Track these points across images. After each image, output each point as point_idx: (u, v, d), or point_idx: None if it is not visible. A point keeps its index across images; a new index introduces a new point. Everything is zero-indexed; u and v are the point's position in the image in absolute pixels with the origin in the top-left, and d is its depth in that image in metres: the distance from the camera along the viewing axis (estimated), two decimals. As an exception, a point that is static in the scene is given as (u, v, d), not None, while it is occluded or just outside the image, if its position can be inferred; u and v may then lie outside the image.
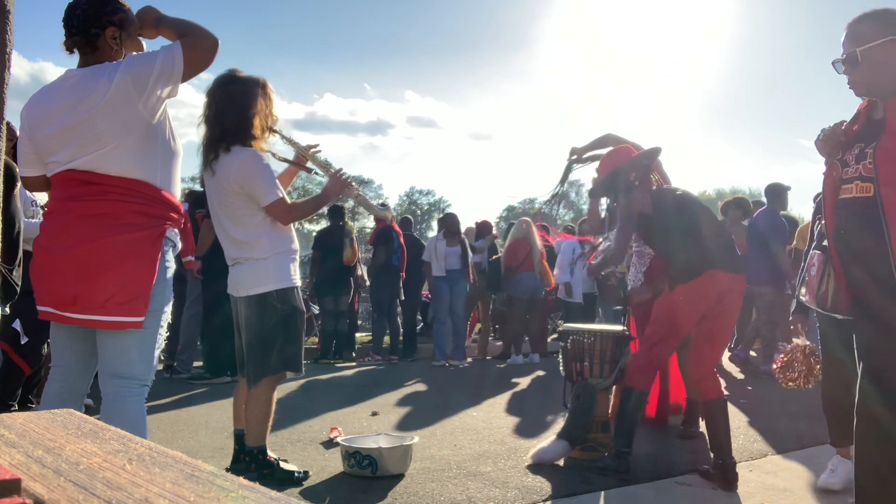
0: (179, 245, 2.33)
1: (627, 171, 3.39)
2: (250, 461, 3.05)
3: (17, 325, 3.75)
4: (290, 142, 3.21)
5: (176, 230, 2.29)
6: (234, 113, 2.94)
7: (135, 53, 2.24)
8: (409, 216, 10.50)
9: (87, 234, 2.12)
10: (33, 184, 2.40)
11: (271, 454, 3.11)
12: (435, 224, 9.08)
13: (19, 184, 2.73)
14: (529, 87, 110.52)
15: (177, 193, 2.30)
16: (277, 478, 3.02)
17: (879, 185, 2.10)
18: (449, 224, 7.99)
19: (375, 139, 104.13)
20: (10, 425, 0.83)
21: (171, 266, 2.28)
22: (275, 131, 3.09)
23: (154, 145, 2.19)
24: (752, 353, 7.90)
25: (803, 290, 2.56)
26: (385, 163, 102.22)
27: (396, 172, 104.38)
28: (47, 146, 2.21)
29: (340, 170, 3.14)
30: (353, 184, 3.20)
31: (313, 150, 3.22)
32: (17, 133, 2.35)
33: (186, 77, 2.16)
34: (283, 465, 3.12)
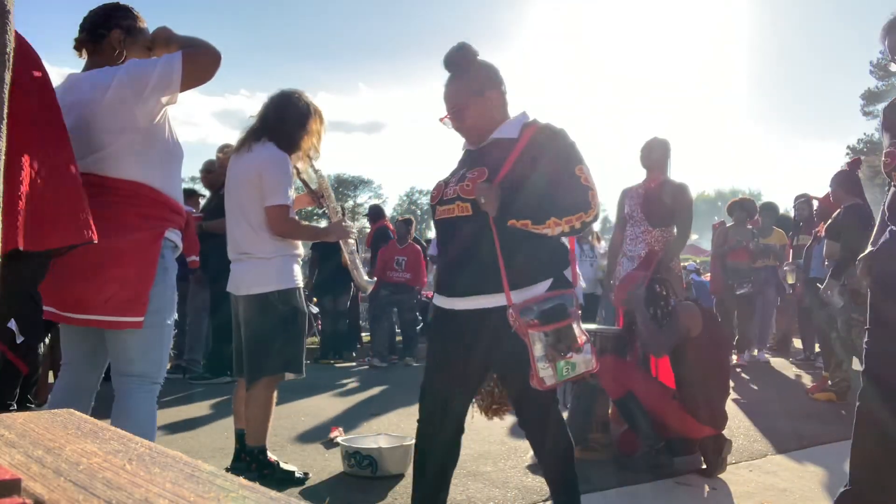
0: (181, 245, 2.34)
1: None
2: (251, 461, 3.05)
3: (12, 325, 3.75)
4: (317, 172, 3.31)
5: (177, 231, 2.30)
6: (290, 120, 3.04)
7: (135, 59, 2.26)
8: (410, 216, 10.50)
9: None
10: None
11: (271, 455, 3.11)
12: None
13: None
14: (527, 87, 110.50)
15: (178, 195, 2.31)
16: (277, 478, 3.02)
17: None
18: None
19: (371, 138, 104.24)
20: (10, 425, 0.83)
21: (173, 266, 2.29)
22: (309, 157, 3.17)
23: (153, 148, 2.21)
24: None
25: None
26: (381, 162, 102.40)
27: (396, 172, 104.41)
28: None
29: (346, 219, 3.28)
30: (354, 237, 3.35)
31: (331, 194, 3.37)
32: None
33: (185, 87, 2.18)
34: (283, 465, 3.12)
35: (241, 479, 0.64)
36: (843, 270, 4.68)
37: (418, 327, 9.02)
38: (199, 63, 2.19)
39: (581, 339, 2.12)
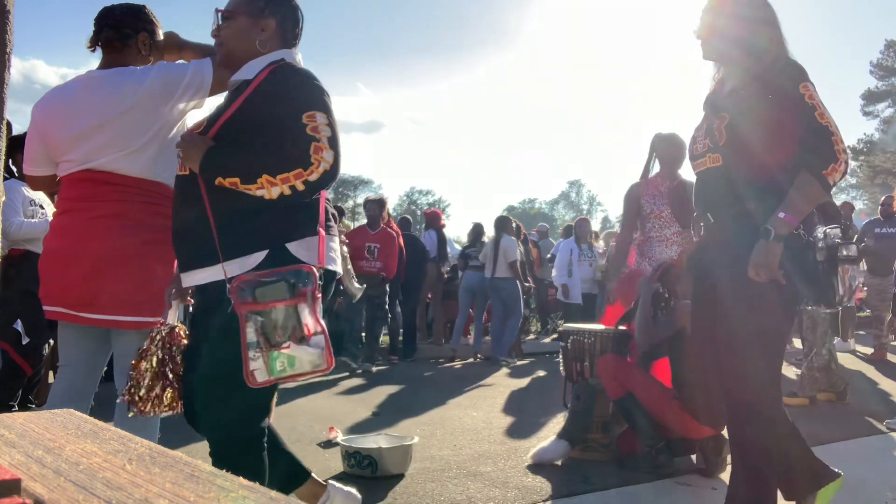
0: None
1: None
2: (250, 461, 3.05)
3: (18, 325, 3.75)
4: None
5: None
6: None
7: (165, 61, 2.27)
8: (409, 216, 10.51)
9: (106, 234, 2.12)
10: (40, 183, 2.40)
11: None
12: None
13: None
14: (526, 87, 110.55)
15: None
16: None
17: None
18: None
19: (371, 138, 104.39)
20: (10, 425, 0.83)
21: None
22: None
23: (171, 148, 2.20)
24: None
25: None
26: (381, 162, 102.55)
27: (395, 172, 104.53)
28: (63, 145, 2.20)
29: (341, 221, 3.29)
30: (346, 245, 3.43)
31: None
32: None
33: (214, 92, 2.19)
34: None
35: (241, 479, 0.64)
36: None
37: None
38: (228, 70, 2.21)
39: (310, 328, 1.71)
